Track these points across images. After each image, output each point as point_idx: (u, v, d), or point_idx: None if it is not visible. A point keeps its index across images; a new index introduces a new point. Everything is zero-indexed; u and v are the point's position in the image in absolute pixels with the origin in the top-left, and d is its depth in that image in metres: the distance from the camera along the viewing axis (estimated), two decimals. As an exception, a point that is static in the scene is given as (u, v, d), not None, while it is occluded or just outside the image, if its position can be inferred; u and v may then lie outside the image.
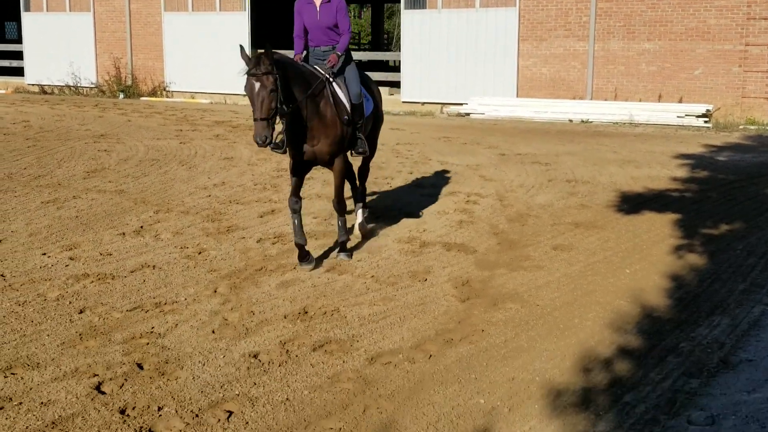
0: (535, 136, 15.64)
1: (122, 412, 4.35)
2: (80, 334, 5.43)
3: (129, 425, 4.20)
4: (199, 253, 7.39)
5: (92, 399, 4.48)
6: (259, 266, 6.93)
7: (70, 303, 6.04)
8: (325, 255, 7.37)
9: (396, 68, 23.72)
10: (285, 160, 12.35)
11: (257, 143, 6.26)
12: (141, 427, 4.18)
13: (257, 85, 6.28)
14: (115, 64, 24.17)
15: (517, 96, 19.41)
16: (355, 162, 8.18)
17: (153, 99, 23.20)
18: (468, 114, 19.08)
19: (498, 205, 9.45)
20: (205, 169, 11.61)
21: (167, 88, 23.77)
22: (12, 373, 4.78)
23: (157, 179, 10.85)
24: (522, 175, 11.42)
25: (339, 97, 7.22)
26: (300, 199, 7.12)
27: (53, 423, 4.20)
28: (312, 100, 6.90)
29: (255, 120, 6.31)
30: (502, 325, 5.74)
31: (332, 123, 7.04)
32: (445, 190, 10.29)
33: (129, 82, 24.08)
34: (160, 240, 7.81)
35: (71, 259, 7.14)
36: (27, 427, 4.15)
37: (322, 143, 7.03)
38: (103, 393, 4.58)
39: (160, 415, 4.32)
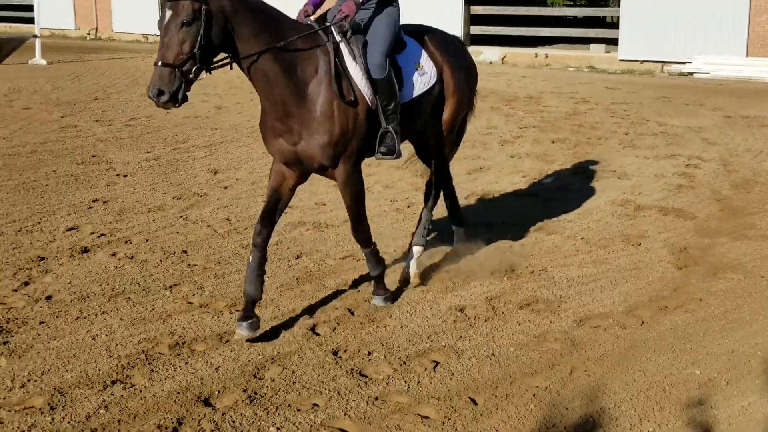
0: (765, 98, 14.52)
1: (335, 353, 4.54)
2: (297, 278, 5.71)
3: (341, 366, 4.37)
4: (408, 206, 7.53)
5: (308, 339, 4.71)
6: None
7: (287, 248, 6.37)
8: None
9: (614, 24, 22.77)
10: (495, 117, 12.25)
11: (150, 98, 4.26)
12: (352, 369, 4.35)
13: (168, 14, 4.33)
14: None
15: (746, 55, 18.06)
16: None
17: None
18: (691, 73, 18.01)
19: (721, 170, 8.89)
20: (416, 125, 11.73)
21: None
22: (236, 310, 5.10)
23: (370, 134, 11.11)
24: (749, 139, 10.65)
25: (347, 68, 4.86)
26: (267, 227, 4.84)
27: (273, 358, 4.46)
28: (287, 63, 4.66)
29: (154, 64, 4.31)
30: (722, 295, 5.42)
31: (326, 109, 4.73)
32: (663, 152, 9.81)
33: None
34: (371, 192, 8.01)
35: (289, 207, 7.49)
36: (249, 360, 4.44)
37: (307, 139, 4.75)
38: (318, 334, 4.80)
39: (370, 360, 4.47)
